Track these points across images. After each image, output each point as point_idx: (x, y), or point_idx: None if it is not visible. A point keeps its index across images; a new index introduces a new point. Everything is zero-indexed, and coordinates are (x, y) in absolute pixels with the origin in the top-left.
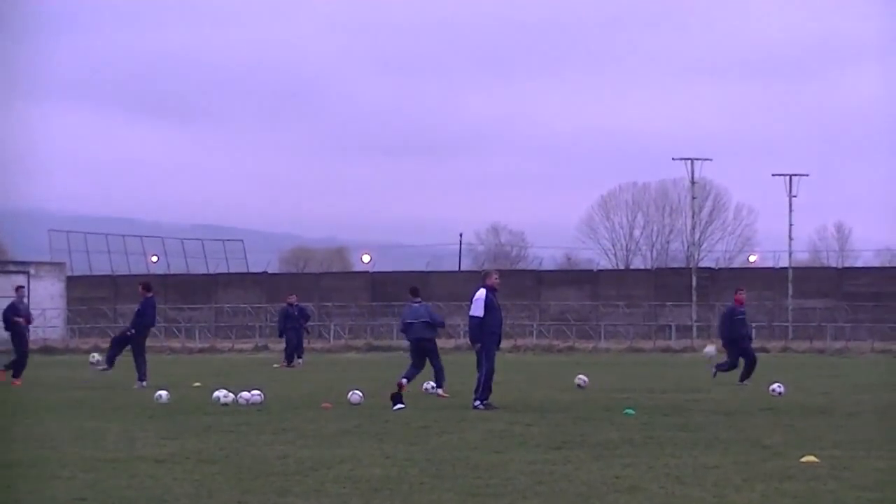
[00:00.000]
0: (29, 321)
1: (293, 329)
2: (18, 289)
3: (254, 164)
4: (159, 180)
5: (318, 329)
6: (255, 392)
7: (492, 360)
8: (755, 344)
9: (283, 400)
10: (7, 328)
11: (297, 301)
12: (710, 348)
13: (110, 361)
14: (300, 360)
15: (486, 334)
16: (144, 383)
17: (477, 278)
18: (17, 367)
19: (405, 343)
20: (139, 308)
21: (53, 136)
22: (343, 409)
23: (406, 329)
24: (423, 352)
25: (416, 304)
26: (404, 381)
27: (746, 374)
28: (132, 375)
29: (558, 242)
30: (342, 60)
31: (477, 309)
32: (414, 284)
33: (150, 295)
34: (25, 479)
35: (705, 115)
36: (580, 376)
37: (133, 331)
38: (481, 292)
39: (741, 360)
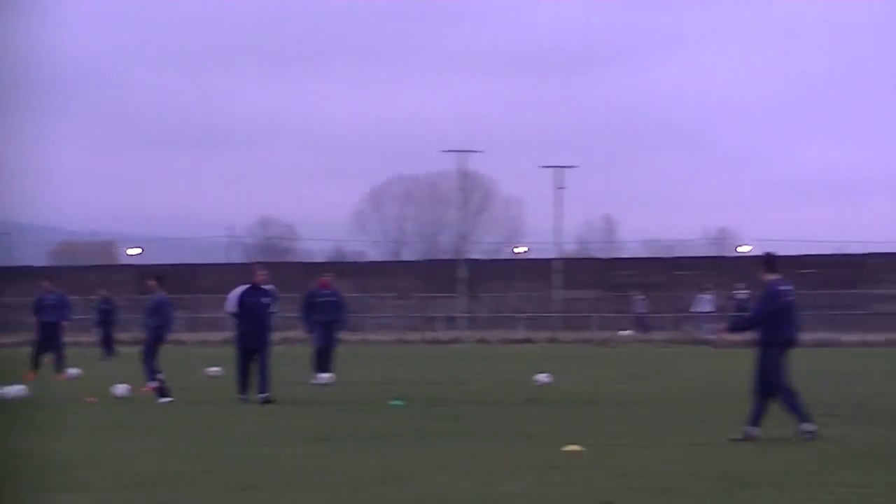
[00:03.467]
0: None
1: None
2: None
3: (17, 156)
4: None
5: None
6: (20, 386)
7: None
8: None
9: (47, 394)
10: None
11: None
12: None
13: None
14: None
15: (261, 329)
16: None
17: (245, 271)
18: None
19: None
20: None
21: None
22: (108, 403)
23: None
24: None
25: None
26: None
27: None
28: None
29: (328, 235)
30: (112, 54)
31: (229, 305)
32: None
33: None
34: None
35: (475, 108)
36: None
37: None
38: (239, 289)
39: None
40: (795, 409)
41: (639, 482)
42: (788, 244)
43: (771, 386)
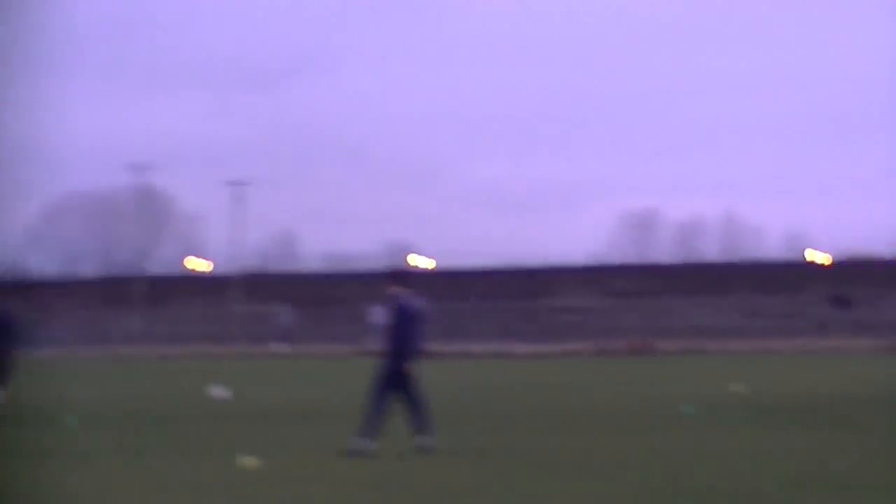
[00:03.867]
0: None
1: None
2: None
3: None
4: None
5: None
6: None
7: None
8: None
9: None
10: None
11: None
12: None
13: None
14: None
15: None
16: None
17: None
18: None
19: None
20: None
21: None
22: None
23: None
24: None
25: None
26: None
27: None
28: None
29: (2, 252)
30: None
31: None
32: None
33: None
34: None
35: (156, 124)
36: None
37: None
38: None
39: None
40: (372, 422)
41: (316, 498)
42: (468, 257)
43: (371, 392)
